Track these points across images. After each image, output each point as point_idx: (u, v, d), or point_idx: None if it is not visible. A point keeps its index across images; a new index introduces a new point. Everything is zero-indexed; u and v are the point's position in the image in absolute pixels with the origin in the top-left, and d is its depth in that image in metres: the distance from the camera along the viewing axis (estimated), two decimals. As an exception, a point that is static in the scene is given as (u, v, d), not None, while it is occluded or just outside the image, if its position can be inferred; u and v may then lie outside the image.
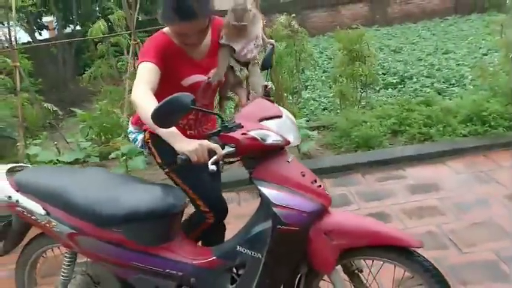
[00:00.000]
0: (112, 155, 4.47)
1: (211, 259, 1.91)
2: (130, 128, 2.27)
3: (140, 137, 2.19)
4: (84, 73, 12.16)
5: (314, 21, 14.87)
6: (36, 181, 2.00)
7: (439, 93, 6.47)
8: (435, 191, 3.54)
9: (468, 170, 3.84)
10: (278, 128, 1.76)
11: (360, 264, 1.87)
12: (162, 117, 1.56)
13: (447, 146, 4.21)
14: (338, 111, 5.86)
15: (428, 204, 3.35)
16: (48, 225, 1.94)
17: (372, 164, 4.11)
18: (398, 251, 1.74)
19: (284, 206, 1.69)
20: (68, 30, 13.13)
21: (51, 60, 11.34)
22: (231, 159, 1.87)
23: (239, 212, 3.45)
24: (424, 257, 1.73)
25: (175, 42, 1.96)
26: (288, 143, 1.78)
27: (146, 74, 1.82)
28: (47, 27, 13.22)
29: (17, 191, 1.98)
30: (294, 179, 1.74)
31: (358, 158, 4.24)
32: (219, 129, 1.71)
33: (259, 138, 1.69)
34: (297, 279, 1.87)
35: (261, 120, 1.77)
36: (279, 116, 1.83)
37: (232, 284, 1.87)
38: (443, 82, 7.30)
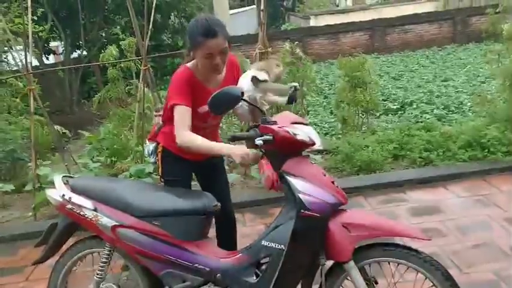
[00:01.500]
0: (121, 176, 4.56)
1: (237, 256, 2.11)
2: (148, 143, 2.54)
3: (153, 145, 2.45)
4: (89, 97, 12.51)
5: (315, 48, 15.24)
6: (86, 183, 2.35)
7: (439, 120, 6.64)
8: (436, 214, 3.63)
9: (468, 194, 3.93)
10: (306, 131, 2.02)
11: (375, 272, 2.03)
12: (216, 104, 1.94)
13: (448, 170, 4.32)
14: (340, 136, 6.00)
15: (430, 226, 3.43)
16: (94, 219, 2.19)
17: (374, 187, 4.21)
18: (410, 251, 1.97)
19: (308, 194, 1.93)
20: (75, 55, 13.42)
21: (58, 84, 11.56)
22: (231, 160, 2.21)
23: (244, 232, 3.58)
24: (436, 261, 1.96)
25: (197, 75, 2.26)
26: (314, 143, 2.02)
27: (185, 117, 2.19)
28: (54, 52, 13.50)
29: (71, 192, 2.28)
30: (317, 176, 2.01)
31: (361, 181, 4.34)
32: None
33: (291, 133, 1.96)
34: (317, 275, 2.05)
35: (292, 123, 2.04)
36: (306, 124, 2.10)
37: (256, 278, 2.05)
38: (442, 109, 7.49)
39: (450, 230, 3.35)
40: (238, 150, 2.01)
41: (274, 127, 1.97)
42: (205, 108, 2.20)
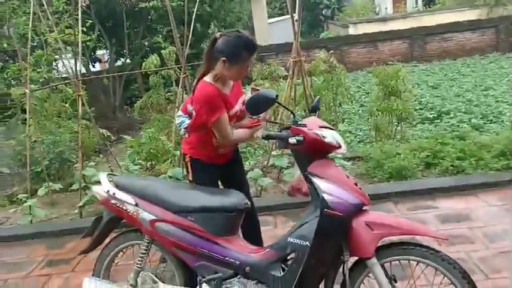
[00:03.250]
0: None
1: (265, 251, 2.29)
2: (180, 112, 2.74)
3: (187, 121, 2.64)
4: (131, 103, 13.01)
5: (353, 57, 15.22)
6: (128, 181, 2.58)
7: (476, 129, 6.55)
8: (465, 221, 3.66)
9: (499, 203, 3.93)
10: (333, 135, 2.19)
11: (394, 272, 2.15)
12: (253, 105, 2.18)
13: (480, 179, 4.32)
14: (373, 143, 6.06)
15: (458, 233, 3.48)
16: (135, 213, 2.41)
17: (404, 194, 4.26)
18: (429, 250, 2.10)
19: (332, 194, 2.08)
20: (119, 63, 13.98)
21: (103, 91, 12.10)
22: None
23: (276, 233, 3.73)
24: (454, 260, 2.07)
25: (218, 86, 2.50)
26: (340, 147, 2.20)
27: (226, 123, 2.50)
28: (99, 60, 14.13)
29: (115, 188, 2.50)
30: (341, 178, 2.16)
31: (391, 188, 4.40)
32: (290, 124, 2.22)
33: (320, 135, 2.15)
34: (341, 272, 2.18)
35: (320, 127, 2.22)
36: (332, 129, 2.26)
37: (282, 272, 2.21)
38: (480, 118, 7.36)
39: (478, 237, 3.38)
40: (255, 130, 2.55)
41: (305, 129, 2.16)
42: (233, 110, 2.56)
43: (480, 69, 12.49)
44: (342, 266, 2.15)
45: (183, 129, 2.69)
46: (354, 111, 9.15)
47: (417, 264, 2.15)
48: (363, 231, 2.07)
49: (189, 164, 2.67)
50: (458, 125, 7.06)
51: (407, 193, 4.27)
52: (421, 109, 8.51)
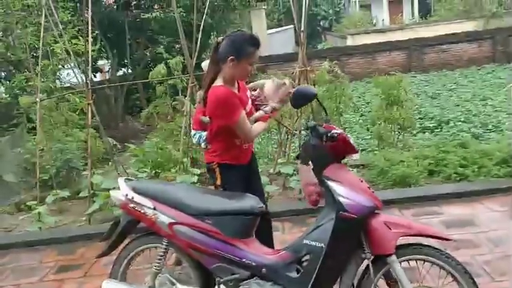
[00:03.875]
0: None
1: (281, 253, 2.36)
2: (193, 131, 2.84)
3: (204, 134, 2.74)
4: (132, 113, 13.09)
5: (352, 67, 15.38)
6: (146, 185, 2.66)
7: (476, 138, 6.67)
8: (470, 226, 3.75)
9: (503, 209, 4.02)
10: (352, 140, 2.36)
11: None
12: (299, 99, 2.33)
13: (483, 186, 4.41)
14: (375, 152, 6.15)
15: (463, 237, 3.55)
16: (153, 217, 2.46)
17: (409, 200, 4.35)
18: (442, 253, 2.24)
19: (347, 197, 2.17)
20: (120, 73, 14.10)
21: (104, 101, 12.19)
22: None
23: (284, 238, 3.81)
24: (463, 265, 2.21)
25: (229, 87, 2.59)
26: (357, 151, 2.36)
27: (246, 123, 2.59)
28: (101, 70, 14.24)
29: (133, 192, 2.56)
30: (355, 182, 2.26)
31: (396, 195, 4.49)
32: (325, 119, 2.38)
33: (348, 136, 2.31)
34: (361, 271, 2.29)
35: None
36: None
37: (297, 273, 2.28)
38: (480, 127, 7.51)
39: (483, 241, 3.46)
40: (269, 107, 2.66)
41: (336, 128, 2.29)
42: (248, 107, 2.69)
43: (478, 79, 12.68)
44: (361, 264, 2.25)
45: (203, 143, 2.75)
46: (354, 120, 9.28)
47: (424, 264, 2.27)
48: (383, 229, 2.18)
49: (216, 170, 2.71)
50: (458, 134, 7.19)
51: (412, 199, 4.35)
52: (421, 118, 8.65)
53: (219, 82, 2.57)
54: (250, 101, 2.76)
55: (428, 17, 24.18)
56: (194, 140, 2.87)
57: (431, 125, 8.13)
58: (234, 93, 2.58)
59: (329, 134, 2.23)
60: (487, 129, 7.36)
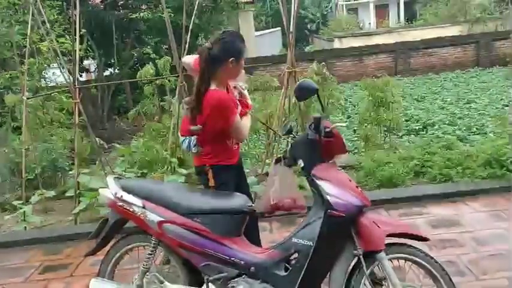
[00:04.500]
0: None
1: (269, 251, 2.38)
2: (181, 138, 2.83)
3: (193, 138, 2.71)
4: (119, 113, 12.98)
5: (339, 70, 15.49)
6: (135, 184, 2.67)
7: (461, 140, 6.76)
8: (455, 226, 3.81)
9: (486, 209, 4.09)
10: None
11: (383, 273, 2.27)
12: (301, 92, 2.38)
13: (467, 187, 4.49)
14: (362, 153, 6.20)
15: (448, 237, 3.62)
16: (142, 215, 2.46)
17: (396, 201, 4.40)
18: (421, 251, 2.29)
19: (335, 196, 2.19)
20: (107, 73, 13.99)
21: (90, 101, 12.07)
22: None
23: (272, 238, 3.83)
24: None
25: (223, 89, 2.63)
26: (347, 152, 2.31)
27: (241, 122, 2.66)
28: (87, 70, 14.10)
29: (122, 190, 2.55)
30: (344, 180, 2.28)
31: (382, 195, 4.53)
32: (322, 117, 2.34)
33: (340, 134, 2.36)
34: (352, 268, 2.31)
35: None
36: None
37: (286, 271, 2.30)
38: (464, 130, 7.62)
39: (467, 241, 3.52)
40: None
41: (333, 125, 2.32)
42: (239, 107, 2.72)
43: (462, 83, 12.88)
44: (351, 261, 2.28)
45: (193, 148, 2.73)
46: (341, 122, 9.32)
47: (405, 263, 2.33)
48: (373, 226, 2.21)
49: (209, 172, 2.70)
50: (443, 137, 7.27)
51: (398, 200, 4.41)
52: (407, 121, 8.74)
53: (213, 86, 2.57)
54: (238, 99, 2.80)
55: (413, 21, 24.49)
56: (184, 146, 2.83)
57: (416, 127, 8.23)
58: (230, 96, 2.63)
59: (327, 130, 2.26)
60: (471, 132, 7.47)
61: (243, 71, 2.85)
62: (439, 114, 9.02)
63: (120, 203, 2.53)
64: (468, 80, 13.33)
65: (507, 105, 9.26)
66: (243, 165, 3.08)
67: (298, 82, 2.47)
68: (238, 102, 2.77)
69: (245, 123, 2.73)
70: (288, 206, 2.54)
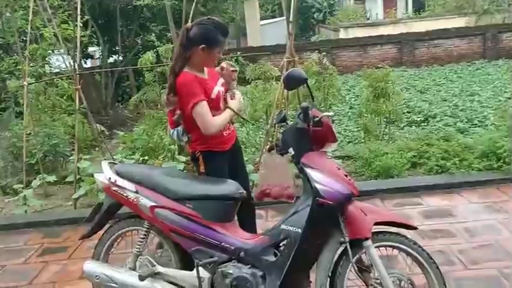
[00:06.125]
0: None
1: (259, 237, 2.44)
2: (171, 131, 2.86)
3: (180, 128, 2.75)
4: (122, 100, 13.03)
5: (343, 60, 15.43)
6: (129, 169, 2.69)
7: (461, 132, 6.76)
8: (448, 217, 3.84)
9: (481, 200, 4.12)
10: None
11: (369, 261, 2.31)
12: (289, 81, 2.39)
13: (463, 178, 4.51)
14: (361, 144, 6.22)
15: (440, 227, 3.65)
16: (135, 200, 2.51)
17: (392, 191, 4.43)
18: (408, 240, 2.34)
19: (323, 184, 2.22)
20: (111, 60, 14.03)
21: (94, 87, 12.13)
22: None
23: (267, 225, 3.85)
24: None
25: (196, 73, 2.61)
26: (336, 141, 2.41)
27: (207, 109, 2.57)
28: (92, 57, 14.13)
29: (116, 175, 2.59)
30: (332, 169, 2.30)
31: (379, 185, 4.57)
32: (310, 106, 2.33)
33: (330, 123, 2.37)
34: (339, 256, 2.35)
35: None
36: None
37: (275, 257, 2.35)
38: (466, 122, 7.60)
39: (459, 231, 3.56)
40: (236, 103, 2.70)
41: (322, 114, 2.34)
42: (214, 91, 2.67)
43: (467, 75, 12.79)
44: (338, 249, 2.32)
45: (182, 137, 2.76)
46: (343, 113, 9.33)
47: (392, 251, 2.38)
48: (358, 215, 2.25)
49: (200, 158, 2.74)
50: (444, 128, 7.27)
51: (394, 190, 4.45)
52: (409, 112, 8.72)
53: (186, 68, 2.58)
54: (219, 86, 2.76)
55: (421, 12, 24.26)
56: (174, 137, 2.87)
57: (418, 119, 8.21)
58: (196, 77, 2.57)
59: (315, 119, 2.28)
60: (473, 124, 7.45)
61: (230, 67, 2.86)
62: (442, 106, 8.99)
63: (114, 188, 2.58)
64: (473, 72, 13.23)
65: (510, 98, 9.22)
66: (241, 152, 3.06)
67: (287, 71, 2.48)
68: (219, 86, 2.74)
69: (217, 117, 2.62)
70: (275, 193, 2.59)
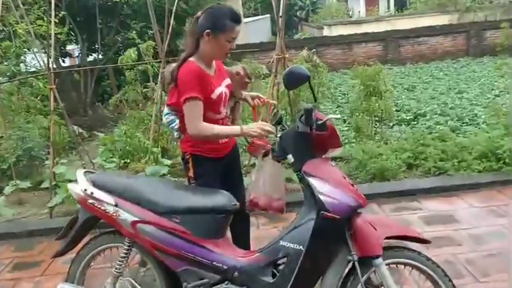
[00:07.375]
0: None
1: (255, 255, 2.14)
2: (166, 110, 2.56)
3: (177, 121, 2.50)
4: (102, 100, 12.62)
5: (328, 58, 15.23)
6: (108, 179, 2.38)
7: (453, 131, 6.60)
8: (450, 223, 3.63)
9: (483, 204, 3.93)
10: None
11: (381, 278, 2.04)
12: (290, 80, 2.15)
13: (462, 181, 4.32)
14: (353, 144, 6.01)
15: (444, 235, 3.44)
16: (114, 214, 2.22)
17: (389, 195, 4.22)
18: (420, 254, 2.09)
19: (328, 196, 1.96)
20: (90, 58, 13.59)
21: (73, 86, 11.70)
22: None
23: (258, 234, 3.62)
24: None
25: (202, 66, 2.36)
26: (341, 146, 2.17)
27: (196, 109, 2.28)
28: (70, 55, 13.67)
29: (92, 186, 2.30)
30: (338, 178, 2.04)
31: (375, 189, 4.35)
32: (313, 107, 2.07)
33: (334, 127, 2.12)
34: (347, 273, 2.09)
35: None
36: None
37: (273, 277, 2.08)
38: (456, 120, 7.45)
39: (464, 238, 3.35)
40: (253, 127, 2.21)
41: (326, 117, 2.08)
42: (216, 92, 2.37)
43: (453, 72, 12.74)
44: (346, 266, 2.07)
45: (175, 132, 2.52)
46: (331, 111, 9.12)
47: (404, 268, 2.12)
48: (368, 230, 2.00)
49: (190, 161, 2.49)
50: (435, 127, 7.11)
51: (391, 194, 4.23)
52: (398, 111, 8.53)
53: (193, 58, 2.34)
54: (224, 87, 2.48)
55: (403, 10, 24.30)
56: (164, 121, 2.60)
57: (407, 118, 8.04)
58: (200, 71, 2.33)
59: (319, 122, 2.02)
60: (464, 123, 7.31)
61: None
62: (430, 104, 8.84)
63: (91, 201, 2.28)
64: (459, 69, 13.20)
65: (498, 96, 9.13)
66: (238, 160, 2.75)
67: (288, 68, 2.20)
68: (225, 86, 2.49)
69: (219, 127, 2.35)
70: (263, 205, 2.32)
